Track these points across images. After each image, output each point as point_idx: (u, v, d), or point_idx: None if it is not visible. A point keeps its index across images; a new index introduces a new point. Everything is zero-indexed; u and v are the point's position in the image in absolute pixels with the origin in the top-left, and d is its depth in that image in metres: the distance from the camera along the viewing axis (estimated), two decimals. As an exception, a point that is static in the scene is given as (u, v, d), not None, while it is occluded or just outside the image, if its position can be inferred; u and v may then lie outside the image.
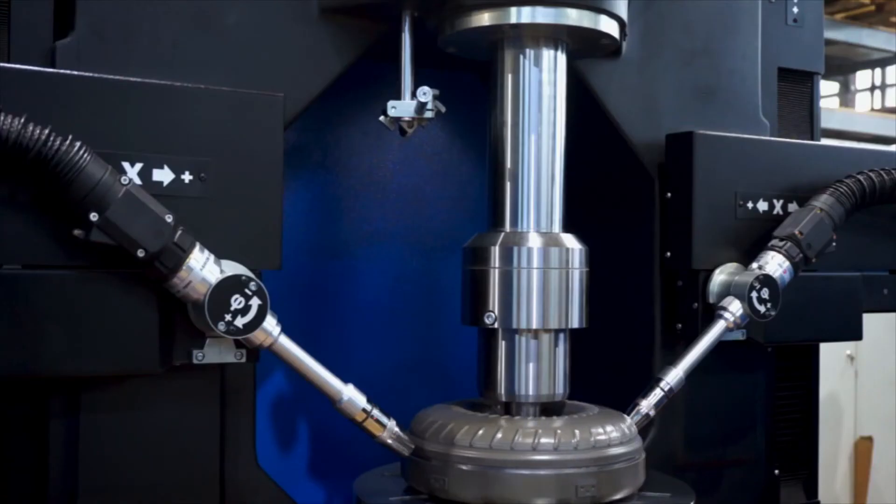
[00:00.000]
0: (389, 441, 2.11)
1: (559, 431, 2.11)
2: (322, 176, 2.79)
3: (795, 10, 2.96)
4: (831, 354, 5.70)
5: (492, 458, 2.08)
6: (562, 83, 2.30)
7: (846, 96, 19.97)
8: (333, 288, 2.80)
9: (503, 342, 2.25)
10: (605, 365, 2.75)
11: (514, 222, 2.27)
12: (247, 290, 1.90)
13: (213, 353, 1.97)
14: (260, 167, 2.04)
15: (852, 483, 6.27)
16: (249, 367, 2.11)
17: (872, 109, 18.80)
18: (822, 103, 3.25)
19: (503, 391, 2.25)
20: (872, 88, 19.75)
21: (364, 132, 2.82)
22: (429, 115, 2.23)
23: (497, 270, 2.22)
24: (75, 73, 1.87)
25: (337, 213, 2.81)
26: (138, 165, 1.89)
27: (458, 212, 2.97)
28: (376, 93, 2.37)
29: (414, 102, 2.22)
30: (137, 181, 1.88)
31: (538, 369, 2.24)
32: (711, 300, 2.47)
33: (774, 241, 2.46)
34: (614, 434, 2.16)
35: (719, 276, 2.47)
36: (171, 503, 2.01)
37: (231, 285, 1.88)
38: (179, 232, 1.85)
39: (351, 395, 2.06)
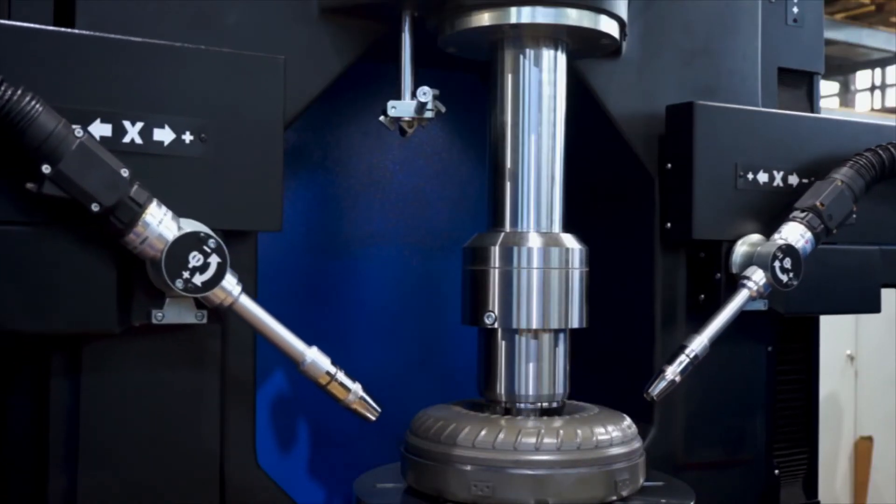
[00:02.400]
0: (354, 405, 2.07)
1: (561, 431, 2.10)
2: (322, 176, 2.79)
3: (795, 10, 2.96)
4: (831, 354, 5.70)
5: (495, 458, 2.07)
6: (562, 83, 2.30)
7: (846, 96, 19.97)
8: (333, 288, 2.81)
9: (503, 342, 2.25)
10: (604, 364, 2.75)
11: (514, 222, 2.27)
12: (205, 248, 1.87)
13: (173, 313, 1.93)
14: (260, 128, 2.03)
15: (852, 483, 6.27)
16: (249, 366, 2.11)
17: (872, 109, 18.79)
18: (822, 103, 3.26)
19: (503, 391, 2.25)
20: (872, 88, 19.75)
21: (364, 132, 2.82)
22: (429, 115, 2.23)
23: (497, 270, 2.22)
24: (76, 31, 1.88)
25: (337, 213, 2.81)
26: (139, 125, 1.89)
27: (458, 212, 2.97)
28: (376, 93, 2.37)
29: (414, 102, 2.22)
30: (138, 140, 1.88)
31: (538, 369, 2.24)
32: (734, 271, 2.49)
33: (796, 213, 2.49)
34: (616, 434, 2.16)
35: (741, 248, 2.50)
36: (171, 502, 2.02)
37: (189, 242, 1.85)
38: (136, 186, 1.82)
39: (314, 358, 2.03)
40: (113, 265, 1.87)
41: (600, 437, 2.13)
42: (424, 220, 2.93)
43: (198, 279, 1.87)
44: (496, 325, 2.22)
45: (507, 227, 2.27)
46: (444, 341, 2.91)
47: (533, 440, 2.08)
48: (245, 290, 1.99)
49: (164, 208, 1.86)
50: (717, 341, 2.36)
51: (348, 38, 2.24)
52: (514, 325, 2.22)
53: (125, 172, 1.80)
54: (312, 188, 2.77)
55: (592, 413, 2.28)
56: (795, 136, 2.62)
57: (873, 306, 2.79)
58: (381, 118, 2.24)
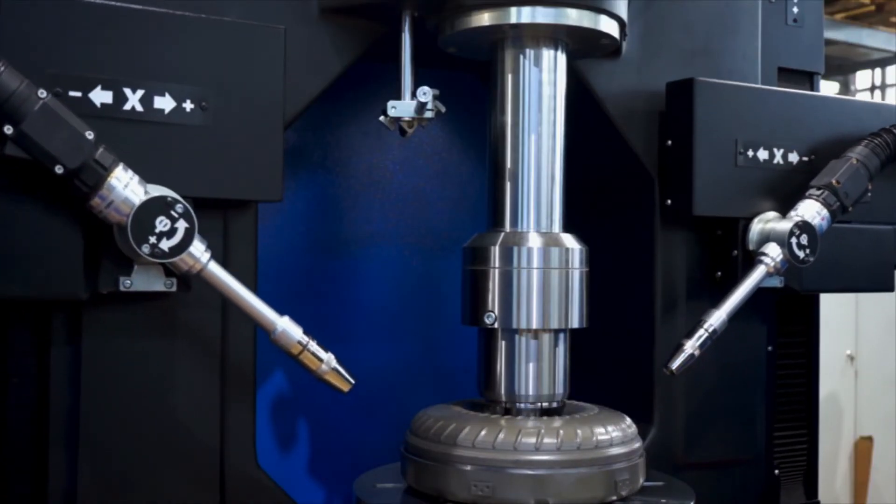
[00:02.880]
0: (327, 376, 2.04)
1: (561, 431, 2.10)
2: (322, 176, 2.79)
3: (795, 10, 2.96)
4: (831, 354, 5.69)
5: (495, 458, 2.07)
6: (562, 83, 2.30)
7: (846, 96, 19.95)
8: (333, 288, 2.80)
9: (503, 342, 2.25)
10: (604, 363, 2.75)
11: (514, 222, 2.27)
12: (172, 213, 1.85)
13: (141, 281, 1.92)
14: (261, 98, 2.04)
15: (852, 483, 6.27)
16: (249, 365, 2.11)
17: (872, 109, 18.73)
18: (823, 103, 3.25)
19: (503, 391, 2.25)
20: (872, 88, 19.72)
21: (364, 132, 2.82)
22: (429, 115, 2.23)
23: (497, 270, 2.22)
24: None
25: (337, 213, 2.81)
26: (140, 92, 1.89)
27: (458, 212, 2.97)
28: (376, 93, 2.37)
29: (414, 102, 2.22)
30: (139, 108, 1.88)
31: (538, 369, 2.24)
32: (751, 248, 2.53)
33: (812, 191, 2.53)
34: (616, 434, 2.16)
35: (758, 225, 2.54)
36: (171, 502, 2.02)
37: (156, 206, 1.83)
38: (101, 149, 1.80)
39: (286, 327, 1.99)
40: (79, 231, 1.85)
41: (600, 437, 2.13)
42: (424, 220, 2.93)
43: (165, 244, 1.85)
44: (496, 325, 2.22)
45: (507, 227, 2.27)
46: (444, 341, 2.91)
47: (533, 440, 2.08)
48: (244, 262, 1.99)
49: (130, 172, 1.84)
50: (718, 341, 2.36)
51: (348, 38, 2.24)
52: (514, 325, 2.21)
53: (90, 135, 1.78)
54: (312, 188, 2.77)
55: (592, 413, 2.28)
56: (795, 114, 2.64)
57: (887, 285, 2.83)
58: (381, 118, 2.24)
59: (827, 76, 2.93)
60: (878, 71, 19.35)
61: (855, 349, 6.29)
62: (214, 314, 2.04)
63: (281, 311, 2.01)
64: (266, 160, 2.04)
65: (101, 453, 1.95)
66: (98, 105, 1.85)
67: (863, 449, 6.27)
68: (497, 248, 2.23)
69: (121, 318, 1.97)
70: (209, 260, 1.92)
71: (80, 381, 1.93)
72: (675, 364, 2.29)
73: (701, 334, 2.32)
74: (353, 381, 2.07)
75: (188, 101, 1.94)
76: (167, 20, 1.93)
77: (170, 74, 1.93)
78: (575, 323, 2.26)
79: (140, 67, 1.90)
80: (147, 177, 1.88)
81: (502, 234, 2.26)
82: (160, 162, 1.90)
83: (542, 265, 2.21)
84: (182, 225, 1.86)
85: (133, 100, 1.88)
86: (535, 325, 2.22)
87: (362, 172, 2.85)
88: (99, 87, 1.85)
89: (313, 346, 2.02)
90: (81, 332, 1.94)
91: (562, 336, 2.27)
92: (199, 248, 1.90)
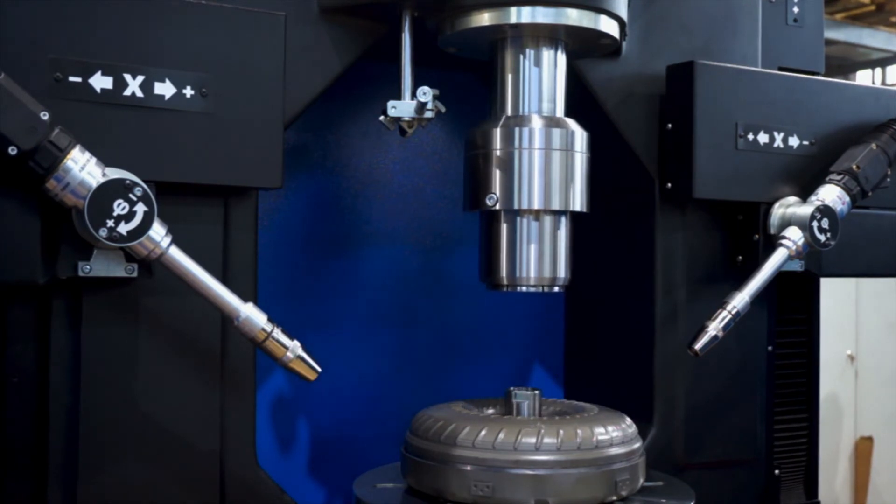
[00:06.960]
0: (292, 364, 1.99)
1: (561, 431, 2.10)
2: (322, 176, 2.79)
3: (795, 10, 2.96)
4: (831, 354, 5.70)
5: (495, 458, 2.07)
6: (562, 83, 2.30)
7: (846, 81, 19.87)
8: (333, 288, 2.80)
9: (504, 224, 2.24)
10: (603, 365, 2.75)
11: (516, 108, 2.26)
12: (131, 196, 1.81)
13: (101, 266, 1.88)
14: (261, 84, 2.04)
15: (852, 483, 6.27)
16: (249, 364, 2.11)
17: (872, 109, 18.71)
18: (823, 103, 3.25)
19: (504, 274, 2.24)
20: (872, 88, 19.69)
21: (364, 132, 2.82)
22: (429, 115, 2.23)
23: (498, 152, 2.21)
24: None
25: (337, 213, 2.81)
26: (140, 78, 1.89)
27: (458, 211, 2.96)
28: (376, 93, 2.37)
29: (414, 102, 2.22)
30: (139, 94, 1.88)
31: (539, 251, 2.22)
32: (772, 232, 2.55)
33: (832, 176, 2.56)
34: (616, 434, 2.16)
35: (779, 210, 2.56)
36: (170, 502, 2.02)
37: (113, 189, 1.80)
38: (56, 131, 1.76)
39: (249, 314, 1.94)
40: (36, 214, 1.83)
41: (600, 437, 2.13)
42: (424, 220, 2.93)
43: (123, 228, 1.81)
44: (497, 207, 2.20)
45: (509, 112, 2.26)
46: (445, 341, 2.91)
47: (533, 440, 2.08)
48: (244, 249, 1.98)
49: (87, 154, 1.81)
50: (719, 341, 2.36)
51: (348, 38, 2.24)
52: (516, 206, 2.20)
53: (45, 115, 1.75)
54: (312, 188, 2.77)
55: (592, 413, 2.28)
56: (796, 98, 2.64)
57: None
58: (381, 118, 2.24)
59: (827, 76, 2.94)
60: (878, 71, 19.35)
61: (855, 349, 6.30)
62: (214, 313, 2.04)
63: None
64: (266, 147, 2.04)
65: (100, 453, 1.95)
66: (98, 91, 1.85)
67: (863, 449, 6.27)
68: (498, 130, 2.22)
69: (120, 311, 1.96)
70: (170, 245, 1.89)
71: (80, 377, 1.93)
72: (699, 345, 2.29)
73: (724, 316, 2.32)
74: (319, 370, 2.02)
75: (188, 88, 1.94)
76: (167, 6, 1.94)
77: (170, 60, 1.93)
78: (577, 206, 2.24)
79: (140, 53, 1.90)
80: (146, 163, 1.88)
81: (504, 118, 2.25)
82: (160, 148, 1.90)
83: (544, 146, 2.20)
84: (141, 208, 1.82)
85: (133, 85, 1.88)
86: (536, 206, 2.20)
87: (362, 172, 2.84)
88: (99, 73, 1.85)
89: (277, 332, 1.97)
90: (81, 323, 1.93)
91: (563, 218, 2.26)
92: (158, 233, 1.87)
